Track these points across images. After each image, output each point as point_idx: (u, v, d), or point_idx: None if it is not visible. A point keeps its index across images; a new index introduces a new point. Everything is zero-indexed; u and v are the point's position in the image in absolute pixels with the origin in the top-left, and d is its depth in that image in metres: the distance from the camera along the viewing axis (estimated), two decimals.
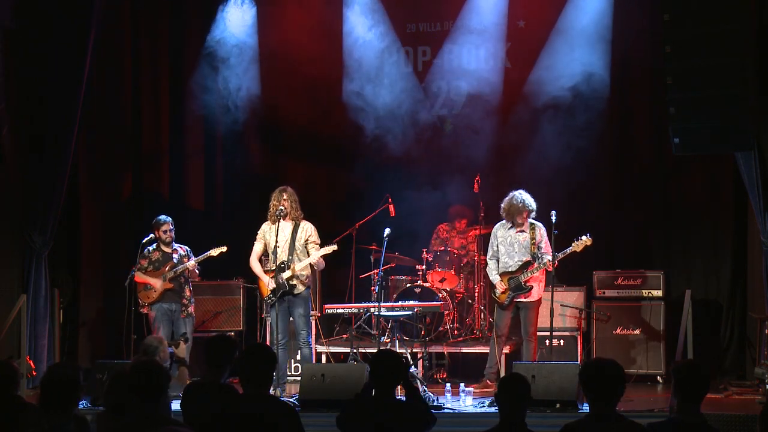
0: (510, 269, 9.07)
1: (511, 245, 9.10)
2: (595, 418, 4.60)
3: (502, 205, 9.12)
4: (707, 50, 7.88)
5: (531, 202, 9.03)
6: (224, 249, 9.43)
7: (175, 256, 9.47)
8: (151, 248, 9.49)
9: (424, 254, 10.61)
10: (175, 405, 6.06)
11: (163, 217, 9.50)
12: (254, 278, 9.35)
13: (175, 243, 9.56)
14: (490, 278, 9.27)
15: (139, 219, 10.93)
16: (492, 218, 9.55)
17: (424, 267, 10.53)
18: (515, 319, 9.17)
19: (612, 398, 4.61)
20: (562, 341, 9.82)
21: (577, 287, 10.03)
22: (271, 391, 7.18)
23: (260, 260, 9.19)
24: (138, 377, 4.86)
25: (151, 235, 9.57)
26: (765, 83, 8.36)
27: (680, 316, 8.41)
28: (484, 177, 10.44)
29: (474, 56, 11.37)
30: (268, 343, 9.34)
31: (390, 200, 10.75)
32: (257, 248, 9.06)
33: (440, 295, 10.13)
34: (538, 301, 9.09)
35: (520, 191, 9.09)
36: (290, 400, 8.31)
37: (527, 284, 8.98)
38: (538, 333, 9.78)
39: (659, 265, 10.41)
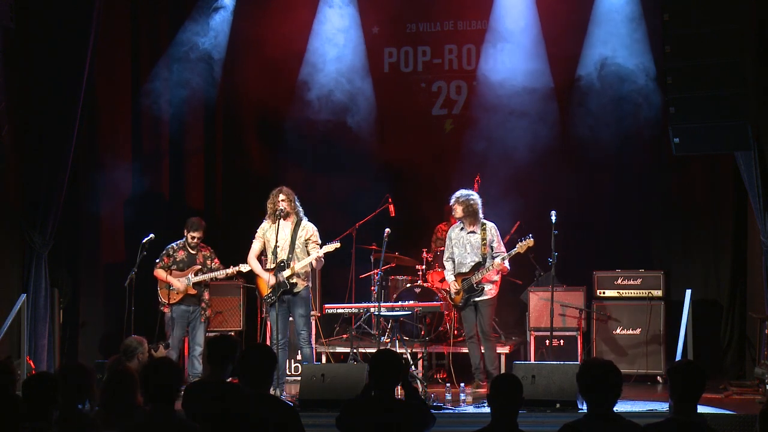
0: (463, 270, 9.12)
1: (463, 247, 9.16)
2: (594, 418, 4.60)
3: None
4: (707, 50, 7.88)
5: (470, 199, 9.03)
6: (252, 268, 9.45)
7: (199, 258, 9.52)
8: (175, 245, 9.59)
9: (424, 254, 10.62)
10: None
11: (197, 219, 9.58)
12: (254, 278, 9.34)
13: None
14: (446, 279, 9.32)
15: (139, 219, 10.92)
16: (491, 218, 9.53)
17: (424, 267, 10.54)
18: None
19: (608, 399, 4.61)
20: (562, 341, 9.82)
21: (577, 287, 10.03)
22: (271, 391, 7.17)
23: (259, 259, 9.18)
24: (153, 377, 4.83)
25: (151, 235, 9.59)
26: (765, 83, 8.36)
27: (680, 316, 8.42)
28: (484, 177, 10.43)
29: (474, 56, 11.38)
30: (268, 343, 9.33)
31: (390, 200, 10.76)
32: (256, 246, 9.06)
33: (440, 295, 10.13)
34: (494, 299, 9.12)
35: (464, 189, 9.18)
36: (289, 401, 8.32)
37: (478, 285, 8.99)
38: (538, 333, 9.82)
39: (659, 265, 10.42)
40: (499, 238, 9.15)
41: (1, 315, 9.12)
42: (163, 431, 4.72)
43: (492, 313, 9.15)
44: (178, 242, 9.63)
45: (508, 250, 9.05)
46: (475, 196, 9.13)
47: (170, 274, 9.53)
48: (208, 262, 9.60)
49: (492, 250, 9.03)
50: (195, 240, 9.55)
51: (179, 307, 9.47)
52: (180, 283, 9.45)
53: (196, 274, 9.51)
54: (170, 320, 9.48)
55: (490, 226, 9.13)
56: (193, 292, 9.49)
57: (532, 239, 8.90)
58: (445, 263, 9.36)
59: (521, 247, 8.93)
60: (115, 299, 9.99)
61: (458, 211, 9.12)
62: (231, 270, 9.49)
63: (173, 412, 4.80)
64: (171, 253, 9.59)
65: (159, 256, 9.60)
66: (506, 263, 9.03)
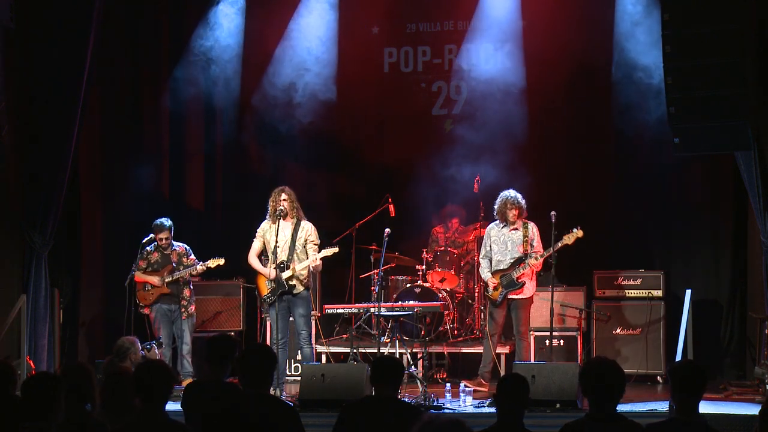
0: (502, 267, 9.13)
1: (504, 244, 9.18)
2: (594, 418, 4.60)
3: (495, 206, 9.22)
4: (707, 50, 7.87)
5: (521, 199, 9.12)
6: (221, 262, 9.44)
7: (173, 258, 9.51)
8: (149, 248, 9.54)
9: (424, 254, 10.61)
10: (176, 405, 6.07)
11: (162, 221, 9.52)
12: (254, 277, 9.33)
13: (175, 242, 9.59)
14: (483, 277, 9.32)
15: (139, 219, 10.93)
16: (492, 218, 9.54)
17: (424, 267, 10.53)
18: (510, 318, 9.21)
19: (612, 399, 4.61)
20: (562, 341, 9.82)
21: (577, 287, 10.04)
22: (271, 391, 7.18)
23: (259, 259, 9.17)
24: (142, 378, 4.84)
25: (151, 235, 9.58)
26: (765, 83, 8.36)
27: (680, 316, 8.42)
28: (483, 177, 10.44)
29: (474, 56, 11.37)
30: (268, 342, 9.33)
31: (390, 200, 10.76)
32: (256, 245, 9.06)
33: (440, 295, 10.13)
34: (530, 299, 9.16)
35: (510, 190, 9.19)
36: (289, 401, 8.32)
37: (519, 280, 9.03)
38: (538, 333, 9.83)
39: (659, 265, 10.42)
40: (539, 238, 9.18)
41: (1, 315, 9.12)
42: (150, 431, 4.72)
43: (528, 315, 9.15)
44: (153, 245, 9.60)
45: (553, 243, 8.97)
46: (519, 194, 9.15)
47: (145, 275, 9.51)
48: (184, 260, 9.55)
49: (532, 248, 9.09)
50: (164, 241, 9.51)
51: (161, 307, 9.46)
52: (155, 278, 9.42)
53: (170, 273, 9.47)
54: (155, 321, 9.48)
55: (531, 224, 9.20)
56: (167, 291, 9.45)
57: (581, 230, 8.92)
58: (481, 261, 9.36)
59: (569, 237, 8.94)
60: (115, 299, 9.99)
61: (514, 214, 9.08)
62: (201, 266, 9.46)
63: (162, 412, 4.80)
64: (146, 256, 9.56)
65: (135, 261, 9.55)
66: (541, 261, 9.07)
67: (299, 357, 9.40)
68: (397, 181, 11.22)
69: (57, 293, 10.06)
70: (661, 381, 9.67)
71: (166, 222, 9.53)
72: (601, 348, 9.84)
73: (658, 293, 9.90)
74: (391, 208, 10.75)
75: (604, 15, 10.81)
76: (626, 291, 10.00)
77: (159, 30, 11.55)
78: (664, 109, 8.23)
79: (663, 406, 7.83)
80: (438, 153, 11.33)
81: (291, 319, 9.02)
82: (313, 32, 11.42)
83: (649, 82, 10.30)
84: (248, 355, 5.15)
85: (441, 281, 10.46)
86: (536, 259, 8.99)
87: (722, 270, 10.43)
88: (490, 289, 9.19)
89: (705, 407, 5.16)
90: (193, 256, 9.60)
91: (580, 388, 4.97)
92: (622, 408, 4.72)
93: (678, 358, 8.09)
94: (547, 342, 9.61)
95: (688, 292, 8.60)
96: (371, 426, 5.20)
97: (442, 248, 10.62)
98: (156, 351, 8.98)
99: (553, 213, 8.98)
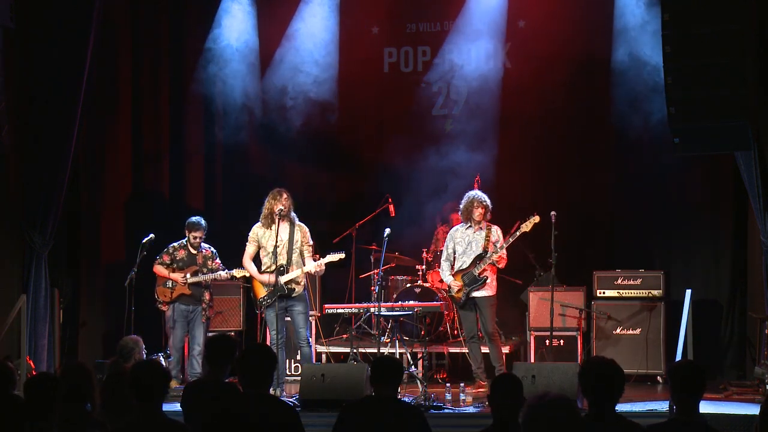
0: (464, 267, 9.17)
1: (468, 244, 9.21)
2: (594, 418, 4.60)
3: (461, 206, 9.27)
4: (707, 50, 7.87)
5: (486, 199, 9.17)
6: (247, 273, 9.45)
7: (199, 260, 9.51)
8: (176, 245, 9.56)
9: (424, 254, 10.62)
10: (176, 405, 6.07)
11: (197, 219, 9.57)
12: (250, 279, 9.31)
13: (203, 244, 9.61)
14: (444, 280, 9.34)
15: (139, 219, 10.93)
16: (492, 219, 9.53)
17: (424, 267, 10.54)
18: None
19: (612, 398, 4.60)
20: (562, 341, 9.82)
21: (577, 287, 10.04)
22: (271, 391, 7.18)
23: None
24: (139, 377, 4.85)
25: (151, 235, 9.58)
26: (765, 83, 8.36)
27: (680, 316, 8.42)
28: (483, 177, 10.44)
29: (474, 56, 11.36)
30: (267, 343, 9.33)
31: (390, 200, 10.77)
32: (250, 250, 9.06)
33: (440, 295, 10.13)
34: (493, 298, 9.14)
35: (476, 190, 9.28)
36: (290, 400, 8.32)
37: (482, 276, 9.04)
38: (538, 333, 9.83)
39: (659, 265, 10.42)
40: (503, 241, 9.20)
41: (1, 315, 9.12)
42: (148, 430, 4.73)
43: (494, 314, 9.16)
44: (180, 242, 9.63)
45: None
46: (485, 195, 9.21)
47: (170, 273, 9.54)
48: (209, 263, 9.59)
49: (495, 247, 9.09)
50: (197, 240, 9.55)
51: (179, 306, 9.48)
52: (177, 276, 9.43)
53: (193, 275, 9.49)
54: (170, 320, 9.49)
55: (495, 228, 9.23)
56: (187, 292, 9.47)
57: (537, 216, 8.95)
58: (443, 263, 9.37)
59: (527, 225, 8.97)
60: (115, 299, 9.99)
61: (480, 213, 9.12)
62: (225, 274, 9.47)
63: (159, 412, 4.81)
64: (171, 251, 9.59)
65: (159, 254, 9.59)
66: (504, 253, 9.07)
67: (299, 357, 9.40)
68: (397, 181, 11.22)
69: (57, 293, 10.06)
70: (661, 381, 9.67)
71: (203, 221, 9.56)
72: (601, 348, 9.84)
73: (658, 293, 9.89)
74: (391, 208, 10.76)
75: (605, 14, 10.81)
76: (626, 291, 9.98)
77: (159, 30, 11.55)
78: (664, 109, 8.23)
79: (663, 406, 7.83)
80: (438, 153, 11.34)
81: (288, 319, 9.02)
82: (313, 33, 11.42)
83: (649, 82, 10.29)
84: (248, 355, 5.15)
85: (441, 281, 10.44)
86: (496, 252, 8.99)
87: (722, 270, 10.43)
88: (454, 289, 9.19)
89: (705, 407, 5.16)
90: (218, 261, 9.63)
91: (580, 388, 4.96)
92: (622, 408, 4.72)
93: (678, 358, 8.09)
94: (547, 342, 9.61)
95: (688, 292, 8.60)
96: (371, 426, 5.20)
97: (442, 248, 10.61)
98: (162, 363, 8.97)
99: (553, 213, 8.99)
